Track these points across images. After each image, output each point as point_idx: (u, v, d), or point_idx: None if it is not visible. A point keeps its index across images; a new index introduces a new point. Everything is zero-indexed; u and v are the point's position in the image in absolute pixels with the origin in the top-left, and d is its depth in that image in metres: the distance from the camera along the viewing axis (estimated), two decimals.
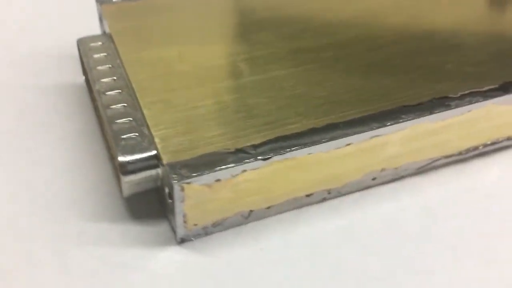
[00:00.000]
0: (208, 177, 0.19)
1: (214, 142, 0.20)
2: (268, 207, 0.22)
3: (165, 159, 0.19)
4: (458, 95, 0.23)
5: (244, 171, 0.19)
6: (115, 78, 0.23)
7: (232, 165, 0.19)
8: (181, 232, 0.20)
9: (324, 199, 0.23)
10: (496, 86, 0.23)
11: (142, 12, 0.27)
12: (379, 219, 0.22)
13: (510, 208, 0.23)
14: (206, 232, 0.21)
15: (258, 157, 0.19)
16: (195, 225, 0.21)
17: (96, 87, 0.23)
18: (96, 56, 0.24)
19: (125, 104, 0.22)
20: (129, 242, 0.21)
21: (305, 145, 0.20)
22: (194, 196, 0.19)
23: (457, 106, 0.22)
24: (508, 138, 0.25)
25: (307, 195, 0.22)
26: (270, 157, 0.20)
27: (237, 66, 0.24)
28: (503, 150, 0.26)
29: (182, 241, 0.21)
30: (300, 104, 0.22)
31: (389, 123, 0.21)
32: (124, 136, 0.20)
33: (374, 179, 0.23)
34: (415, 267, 0.21)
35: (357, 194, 0.23)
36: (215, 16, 0.27)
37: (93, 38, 0.26)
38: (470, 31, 0.27)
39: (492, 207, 0.23)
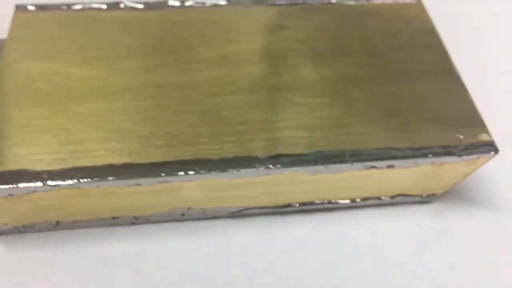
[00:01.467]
0: (0, 191, 0.23)
1: (19, 161, 0.23)
2: (75, 221, 0.25)
3: None
4: (262, 157, 0.24)
5: (34, 192, 0.23)
6: None
7: (22, 185, 0.23)
8: None
9: (133, 223, 0.26)
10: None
11: (52, 23, 0.30)
12: (163, 252, 0.25)
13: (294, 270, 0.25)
14: (19, 230, 0.25)
15: (47, 183, 0.23)
16: (5, 224, 0.25)
17: None
18: None
19: None
20: None
21: (97, 178, 0.23)
22: None
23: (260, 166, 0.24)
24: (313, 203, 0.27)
25: (113, 217, 0.26)
26: (57, 185, 0.23)
27: (85, 91, 0.26)
28: (316, 211, 0.27)
29: None
30: (117, 139, 0.25)
31: (180, 173, 0.24)
32: None
33: (183, 214, 0.26)
34: None
35: (170, 224, 0.26)
36: (108, 37, 0.30)
37: None
38: None
39: (276, 260, 0.25)
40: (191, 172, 0.23)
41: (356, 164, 0.25)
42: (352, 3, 0.32)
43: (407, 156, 0.25)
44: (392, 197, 0.27)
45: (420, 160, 0.25)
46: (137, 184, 0.24)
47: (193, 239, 0.26)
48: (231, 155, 0.24)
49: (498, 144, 0.25)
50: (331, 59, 0.29)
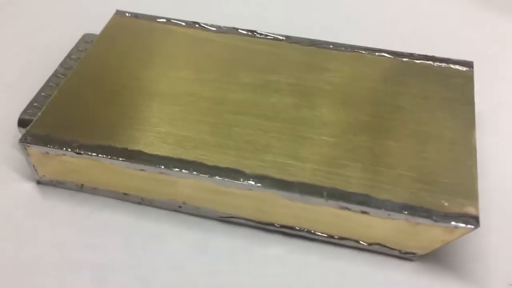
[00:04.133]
0: (38, 148, 0.29)
1: (68, 131, 0.29)
2: (95, 188, 0.30)
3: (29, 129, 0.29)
4: (248, 174, 0.27)
5: (64, 155, 0.29)
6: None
7: (56, 148, 0.28)
8: (35, 176, 0.31)
9: (139, 203, 0.31)
10: None
11: (138, 30, 0.36)
12: (154, 231, 0.29)
13: None
14: (53, 184, 0.31)
15: (75, 151, 0.28)
16: (44, 176, 0.31)
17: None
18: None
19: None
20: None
21: (111, 157, 0.28)
22: (34, 156, 0.29)
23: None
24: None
25: (124, 193, 0.30)
26: (81, 154, 0.28)
27: (131, 90, 0.32)
28: (297, 237, 0.29)
29: (38, 182, 0.31)
30: (137, 129, 0.29)
31: (175, 169, 0.27)
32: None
33: (180, 207, 0.30)
34: None
35: (168, 212, 0.30)
36: (173, 48, 0.35)
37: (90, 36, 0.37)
38: None
39: (240, 267, 0.28)
40: (185, 171, 0.27)
41: (331, 202, 0.26)
42: (405, 59, 0.34)
43: (382, 207, 0.26)
44: (369, 244, 0.28)
45: (394, 214, 0.26)
46: (142, 170, 0.28)
47: (181, 229, 0.29)
48: (224, 165, 0.28)
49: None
50: (355, 106, 0.31)
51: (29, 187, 0.31)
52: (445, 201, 0.26)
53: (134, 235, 0.29)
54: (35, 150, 0.29)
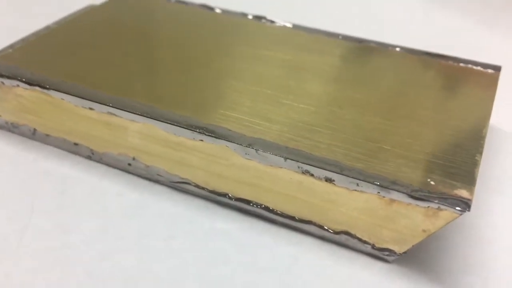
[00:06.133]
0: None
1: (29, 67, 0.27)
2: (47, 135, 0.27)
3: None
4: (203, 125, 0.23)
5: (18, 86, 0.26)
6: None
7: (11, 78, 0.26)
8: None
9: (89, 157, 0.27)
10: None
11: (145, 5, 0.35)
12: (98, 188, 0.26)
13: None
14: (8, 127, 0.28)
15: (28, 82, 0.26)
16: (0, 115, 0.28)
17: None
18: None
19: None
20: None
21: (62, 92, 0.25)
22: None
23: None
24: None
25: (75, 143, 0.27)
26: (33, 85, 0.26)
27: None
28: (253, 216, 0.24)
29: None
30: (114, 72, 0.27)
31: (127, 110, 0.24)
32: None
33: (129, 164, 0.26)
34: None
35: (117, 171, 0.27)
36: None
37: None
38: None
39: (177, 235, 0.23)
40: (134, 113, 0.24)
41: (290, 162, 0.22)
42: (431, 58, 0.30)
43: (350, 174, 0.21)
44: (336, 233, 0.23)
45: (364, 185, 0.21)
46: (91, 108, 0.25)
47: (126, 189, 0.25)
48: (178, 113, 0.24)
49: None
50: (350, 87, 0.27)
51: None
52: (433, 180, 0.21)
53: (72, 187, 0.25)
54: None
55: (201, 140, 0.23)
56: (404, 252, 0.22)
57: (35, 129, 0.28)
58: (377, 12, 0.44)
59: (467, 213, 0.20)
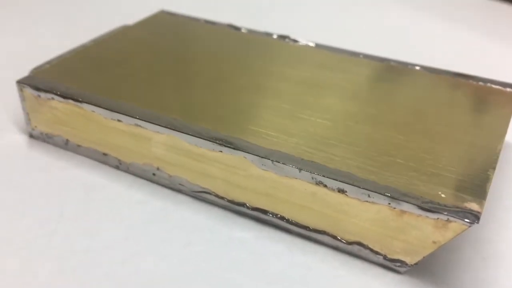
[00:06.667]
0: (32, 91, 0.28)
1: (64, 81, 0.29)
2: (79, 145, 0.29)
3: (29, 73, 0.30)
4: (222, 137, 0.25)
5: (52, 99, 0.28)
6: None
7: (47, 92, 0.28)
8: (28, 128, 0.30)
9: (117, 167, 0.29)
10: None
11: (179, 27, 0.37)
12: (124, 196, 0.27)
13: None
14: (43, 138, 0.30)
15: (62, 95, 0.28)
16: (35, 127, 0.30)
17: None
18: None
19: None
20: None
21: (93, 104, 0.27)
22: (28, 100, 0.29)
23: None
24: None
25: (104, 154, 0.29)
26: (67, 98, 0.28)
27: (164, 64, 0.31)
28: (269, 225, 0.25)
29: (30, 136, 0.31)
30: (147, 86, 0.28)
31: (152, 122, 0.26)
32: None
33: (154, 174, 0.27)
34: None
35: (143, 181, 0.28)
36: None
37: None
38: None
39: (194, 240, 0.24)
40: (159, 125, 0.25)
41: (304, 173, 0.23)
42: (451, 77, 0.31)
43: (361, 186, 0.22)
44: (349, 243, 0.24)
45: (375, 196, 0.22)
46: (119, 120, 0.26)
47: (150, 198, 0.27)
48: (200, 126, 0.25)
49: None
50: (366, 102, 0.28)
51: (21, 139, 0.31)
52: (443, 193, 0.21)
53: (99, 195, 0.27)
54: (29, 93, 0.29)
55: (221, 151, 0.24)
56: (416, 264, 0.22)
57: (67, 140, 0.29)
58: (397, 33, 0.45)
59: (481, 227, 0.20)
